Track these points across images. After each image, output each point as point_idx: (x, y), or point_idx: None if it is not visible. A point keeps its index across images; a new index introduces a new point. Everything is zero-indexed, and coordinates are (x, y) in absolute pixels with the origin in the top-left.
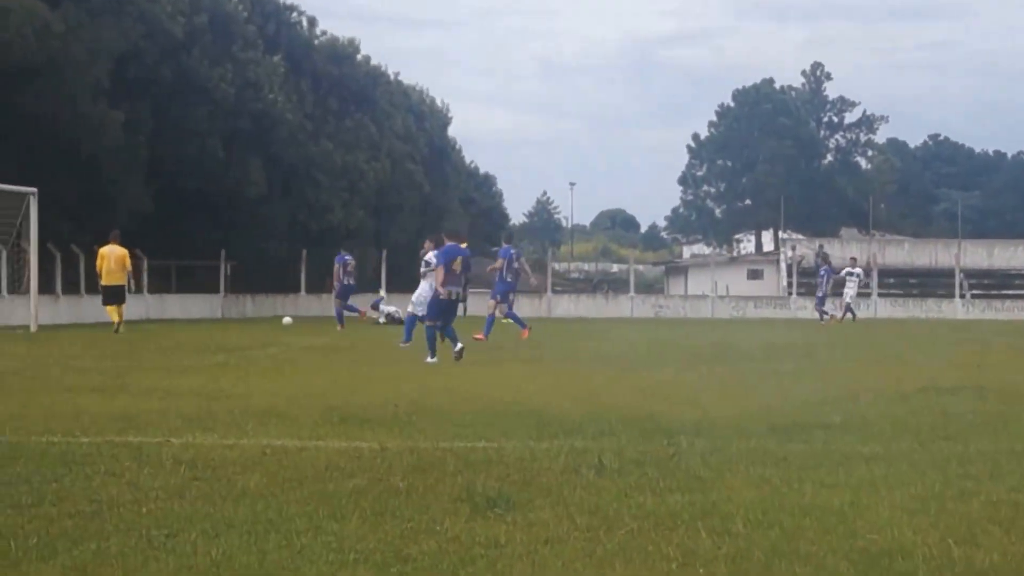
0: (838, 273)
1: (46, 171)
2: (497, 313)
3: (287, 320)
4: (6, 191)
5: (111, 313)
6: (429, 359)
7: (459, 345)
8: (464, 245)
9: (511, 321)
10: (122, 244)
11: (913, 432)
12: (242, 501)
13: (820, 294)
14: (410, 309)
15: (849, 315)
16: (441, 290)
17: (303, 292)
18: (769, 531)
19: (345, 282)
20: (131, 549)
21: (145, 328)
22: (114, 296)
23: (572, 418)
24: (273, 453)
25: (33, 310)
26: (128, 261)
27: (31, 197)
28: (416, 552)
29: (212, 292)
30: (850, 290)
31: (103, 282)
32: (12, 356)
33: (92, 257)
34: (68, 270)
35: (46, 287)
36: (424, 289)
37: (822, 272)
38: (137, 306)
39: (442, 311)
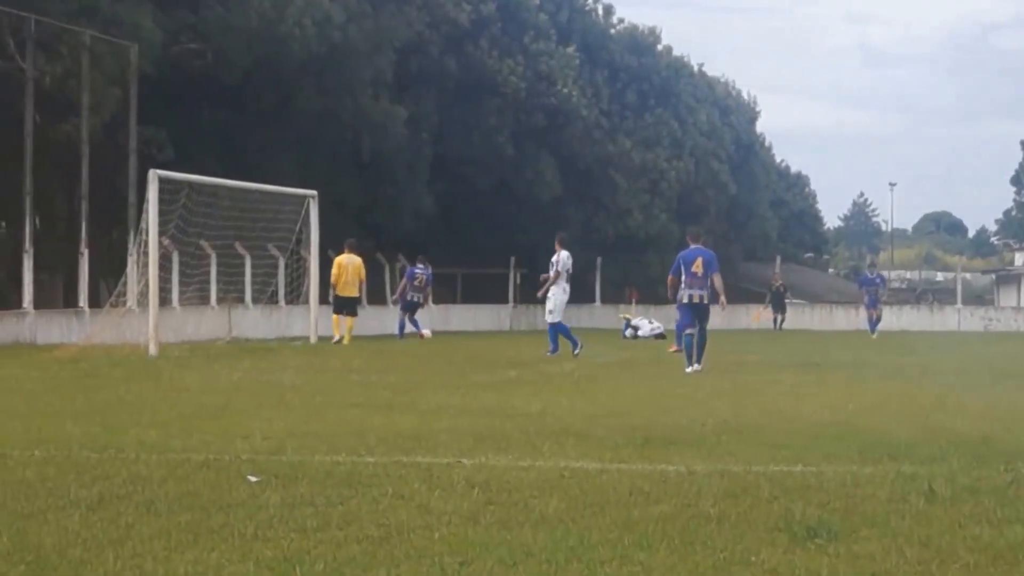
0: None
1: (325, 172)
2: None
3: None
4: (285, 194)
5: (337, 324)
6: (688, 368)
7: (693, 367)
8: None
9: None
10: (359, 252)
11: None
12: (540, 527)
13: None
14: (548, 319)
15: None
16: (682, 294)
17: (598, 303)
18: None
19: (411, 298)
20: None
21: (431, 341)
22: (347, 308)
23: (898, 440)
24: (572, 476)
25: (313, 321)
26: (363, 271)
27: (311, 200)
28: None
29: (500, 303)
30: None
31: (338, 293)
32: (292, 369)
33: (374, 265)
34: None
35: (326, 296)
36: (558, 294)
37: (875, 278)
38: (421, 318)
39: (690, 316)
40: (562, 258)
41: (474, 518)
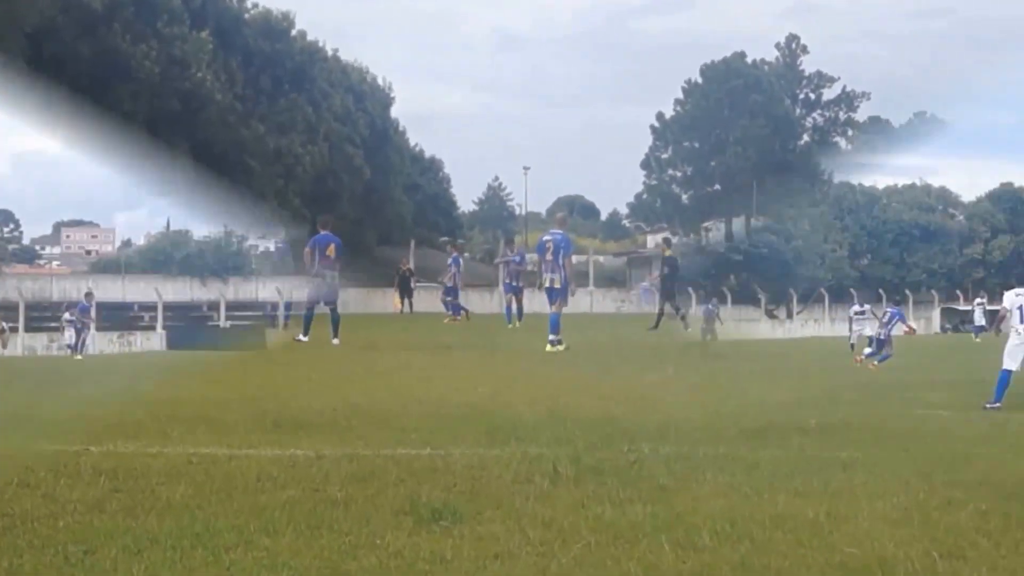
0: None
1: None
2: None
3: None
4: None
5: None
6: (301, 337)
7: (305, 338)
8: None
9: None
10: None
11: (896, 437)
12: (166, 514)
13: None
14: None
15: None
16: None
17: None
18: (738, 544)
19: None
20: (46, 567)
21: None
22: None
23: (526, 423)
24: (200, 462)
25: None
26: None
27: None
28: (355, 568)
29: None
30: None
31: None
32: None
33: None
34: None
35: None
36: None
37: (515, 258)
38: None
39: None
40: None
41: (100, 506)
